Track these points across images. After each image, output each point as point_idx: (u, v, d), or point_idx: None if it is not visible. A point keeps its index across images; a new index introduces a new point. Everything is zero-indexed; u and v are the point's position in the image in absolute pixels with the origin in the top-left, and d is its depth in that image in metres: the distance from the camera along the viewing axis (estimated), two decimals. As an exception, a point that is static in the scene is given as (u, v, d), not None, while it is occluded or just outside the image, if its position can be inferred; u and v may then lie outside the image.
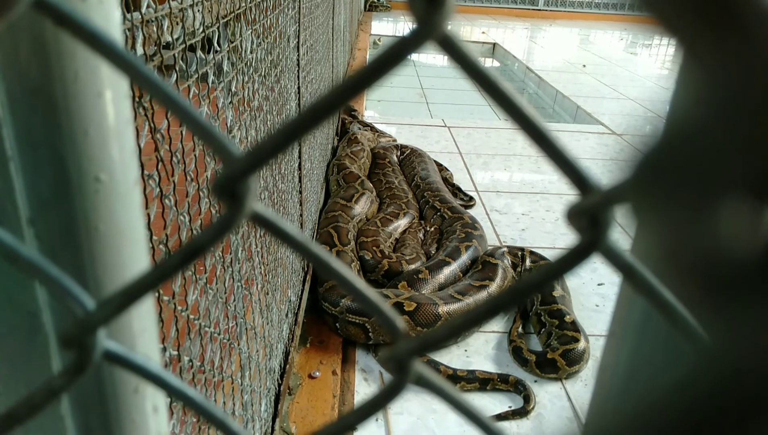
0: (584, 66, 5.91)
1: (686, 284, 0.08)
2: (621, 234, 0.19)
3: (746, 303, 0.07)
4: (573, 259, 0.15)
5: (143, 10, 0.48)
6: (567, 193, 2.69)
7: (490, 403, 1.43)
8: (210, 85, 0.69)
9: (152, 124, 0.49)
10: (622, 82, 5.24)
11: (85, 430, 0.27)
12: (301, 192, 1.53)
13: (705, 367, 0.08)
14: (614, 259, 0.16)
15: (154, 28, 0.52)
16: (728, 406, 0.07)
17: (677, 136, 0.09)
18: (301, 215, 1.55)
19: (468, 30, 8.14)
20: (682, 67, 0.14)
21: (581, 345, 1.54)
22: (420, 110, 4.21)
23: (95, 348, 0.17)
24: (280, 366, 1.31)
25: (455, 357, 1.58)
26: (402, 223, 2.16)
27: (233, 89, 0.81)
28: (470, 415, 0.19)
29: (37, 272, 0.17)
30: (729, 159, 0.07)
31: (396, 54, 0.13)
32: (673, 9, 0.08)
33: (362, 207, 2.17)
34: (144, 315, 0.25)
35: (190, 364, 0.63)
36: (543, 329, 1.66)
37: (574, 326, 1.61)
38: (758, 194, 0.07)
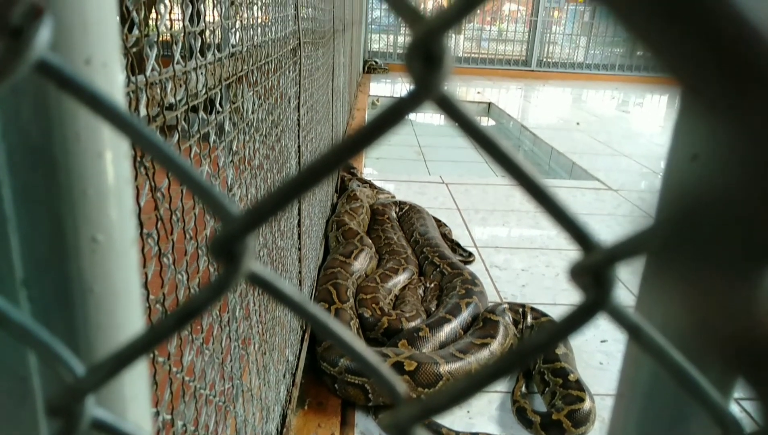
0: (578, 124, 6.04)
1: (719, 357, 0.08)
2: (622, 289, 0.18)
3: None
4: (578, 318, 0.15)
5: (147, 72, 0.50)
6: (566, 249, 2.68)
7: (495, 468, 1.37)
8: (211, 144, 0.70)
9: (153, 183, 0.49)
10: (616, 139, 5.34)
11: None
12: (300, 249, 1.52)
13: None
14: (620, 318, 0.15)
15: (158, 90, 0.53)
16: None
17: (706, 198, 0.08)
18: (300, 272, 1.54)
19: (464, 90, 8.37)
20: (680, 123, 0.15)
21: (587, 405, 1.50)
22: (418, 167, 4.27)
23: (83, 416, 0.16)
24: (277, 430, 1.26)
25: (457, 419, 1.53)
26: (401, 278, 2.14)
27: (234, 148, 0.82)
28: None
29: (26, 337, 0.17)
30: (760, 226, 0.07)
31: (395, 114, 0.13)
32: (697, 75, 0.08)
33: (361, 263, 2.16)
34: (136, 379, 0.25)
35: (184, 428, 0.61)
36: (547, 388, 1.62)
37: (579, 385, 1.57)
38: None
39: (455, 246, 2.54)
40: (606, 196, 3.58)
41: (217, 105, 0.74)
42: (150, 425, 0.25)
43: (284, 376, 1.35)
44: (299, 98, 1.46)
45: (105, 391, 0.21)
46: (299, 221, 1.51)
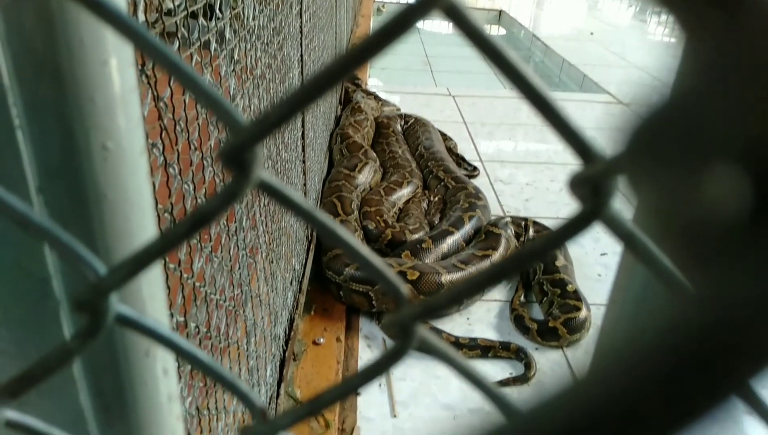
0: (592, 33, 5.80)
1: (678, 246, 0.09)
2: (624, 204, 0.19)
3: (729, 261, 0.08)
4: (574, 227, 0.15)
5: (144, -25, 0.48)
6: (572, 163, 2.67)
7: (491, 370, 1.45)
8: (212, 52, 0.68)
9: (155, 92, 0.49)
10: (631, 50, 5.15)
11: (97, 393, 0.28)
12: (304, 161, 1.53)
13: (689, 318, 0.08)
14: (615, 227, 0.16)
15: (156, -6, 0.51)
16: (706, 352, 0.08)
17: (671, 106, 0.09)
18: (304, 185, 1.55)
19: (474, -4, 7.97)
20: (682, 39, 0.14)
21: (583, 314, 1.56)
22: (424, 78, 4.16)
23: (108, 312, 0.18)
24: (285, 333, 1.33)
25: (457, 325, 1.60)
26: (405, 192, 2.16)
27: (236, 57, 0.80)
28: (472, 378, 0.19)
29: (49, 238, 0.18)
30: (718, 128, 0.08)
31: (401, 22, 0.13)
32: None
33: (366, 177, 2.17)
34: (152, 281, 0.26)
35: (197, 330, 0.64)
36: (545, 298, 1.68)
37: (576, 295, 1.62)
38: (744, 161, 0.08)
39: (460, 160, 2.53)
40: (616, 109, 3.51)
41: (217, 11, 0.71)
42: (167, 322, 0.27)
43: (291, 283, 1.40)
44: (301, 4, 1.40)
45: (125, 291, 0.23)
46: (303, 134, 1.50)
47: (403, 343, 0.17)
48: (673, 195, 0.08)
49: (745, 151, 0.07)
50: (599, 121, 3.30)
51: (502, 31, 6.53)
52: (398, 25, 0.13)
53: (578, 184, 0.16)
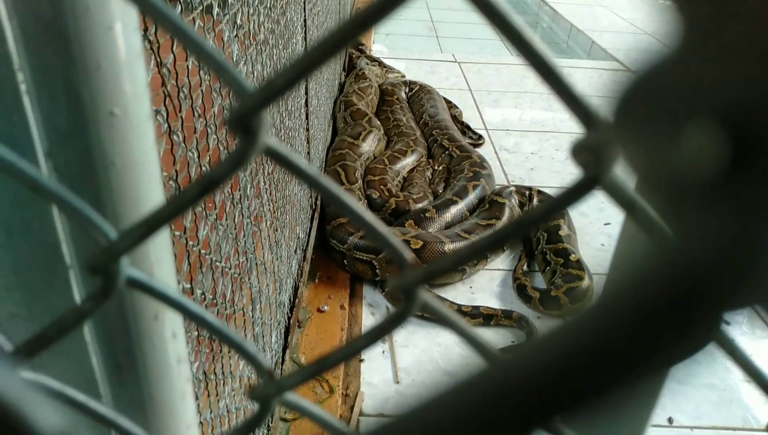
0: (601, -2, 5.67)
1: (661, 198, 0.09)
2: (627, 171, 0.19)
3: (706, 210, 0.08)
4: (576, 193, 0.15)
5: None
6: (577, 132, 2.65)
7: (493, 338, 1.47)
8: (215, 17, 0.67)
9: (158, 58, 0.48)
10: (641, 15, 5.04)
11: (109, 355, 0.29)
12: (308, 129, 1.52)
13: (667, 261, 0.08)
14: (617, 194, 0.16)
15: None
16: (681, 293, 0.08)
17: (656, 68, 0.09)
18: (308, 153, 1.55)
19: (481, -41, 7.77)
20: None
21: (585, 283, 1.57)
22: (430, 44, 4.09)
23: (119, 274, 0.18)
24: (290, 300, 1.35)
25: (460, 293, 1.61)
26: (410, 160, 2.15)
27: (238, 22, 0.79)
28: (472, 341, 0.20)
29: (60, 202, 0.18)
30: (697, 87, 0.08)
31: (406, -13, 0.13)
32: None
33: (370, 145, 2.16)
34: (160, 246, 0.26)
35: (203, 296, 0.65)
36: (548, 268, 1.69)
37: (579, 265, 1.63)
38: (721, 117, 0.08)
39: (465, 128, 2.51)
40: (625, 78, 3.45)
41: (220, -26, 0.70)
42: (175, 286, 0.27)
43: (295, 251, 1.41)
44: (305, -33, 1.37)
45: (133, 256, 0.23)
46: (307, 101, 1.49)
47: (405, 307, 0.17)
48: (655, 150, 0.09)
49: (722, 109, 0.08)
50: (606, 88, 3.25)
51: (510, -4, 6.39)
52: (403, -10, 0.13)
53: (580, 151, 0.16)
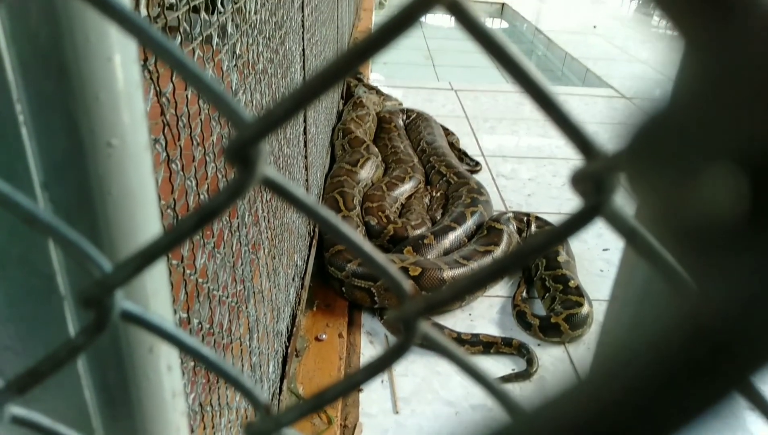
0: (595, 27, 5.78)
1: (678, 244, 0.09)
2: (627, 199, 0.19)
3: (728, 259, 0.08)
4: (576, 222, 0.15)
5: (146, -29, 0.48)
6: (574, 158, 2.67)
7: (493, 366, 1.46)
8: (214, 47, 0.68)
9: (158, 88, 0.49)
10: (634, 43, 5.13)
11: (102, 388, 0.28)
12: (306, 157, 1.53)
13: (689, 314, 0.08)
14: (618, 223, 0.16)
15: (158, -10, 0.51)
16: (707, 350, 0.08)
17: (671, 106, 0.09)
18: (306, 180, 1.55)
19: (476, -10, 7.95)
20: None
21: (585, 309, 1.56)
22: (426, 73, 4.15)
23: (113, 308, 0.18)
24: (288, 329, 1.33)
25: (459, 321, 1.60)
26: (407, 187, 2.15)
27: (238, 52, 0.80)
28: (474, 374, 0.20)
29: (55, 235, 0.18)
30: (716, 129, 0.08)
31: (405, 19, 0.13)
32: None
33: (368, 172, 2.16)
34: (156, 277, 0.26)
35: (200, 326, 0.64)
36: (547, 294, 1.68)
37: (578, 291, 1.62)
38: (742, 161, 0.08)
39: (462, 155, 2.53)
40: (619, 104, 3.50)
41: (219, 5, 0.71)
42: (171, 318, 0.27)
43: (293, 279, 1.40)
44: (303, -2, 1.39)
45: (129, 287, 0.23)
46: (305, 129, 1.50)
47: (405, 339, 0.17)
48: (672, 194, 0.08)
49: (743, 152, 0.07)
50: (602, 115, 3.29)
51: (505, 25, 6.50)
52: (402, 22, 0.13)
53: (580, 180, 0.16)
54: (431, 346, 0.18)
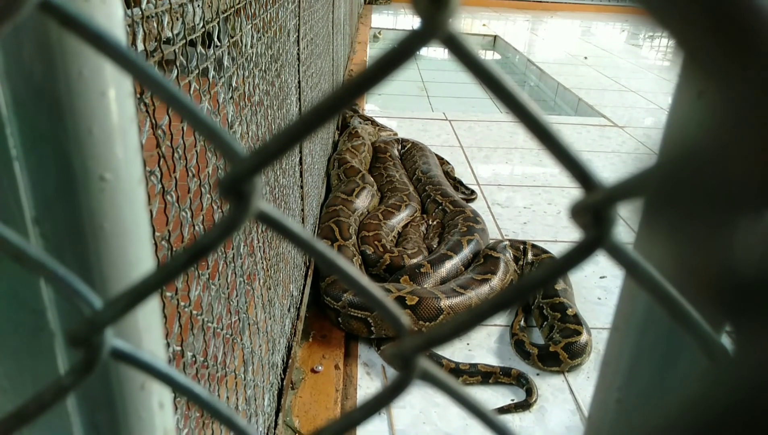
0: (585, 58, 5.89)
1: (706, 298, 0.08)
2: (624, 227, 0.19)
3: (762, 320, 0.08)
4: (577, 256, 0.15)
5: (143, 6, 0.48)
6: (569, 186, 2.68)
7: (492, 397, 1.43)
8: (210, 80, 0.69)
9: (153, 120, 0.49)
10: (624, 73, 5.22)
11: (92, 427, 0.28)
12: (302, 187, 1.53)
13: (721, 382, 0.08)
14: (619, 255, 0.16)
15: (155, 24, 0.52)
16: (745, 420, 0.07)
17: (692, 157, 0.09)
18: (302, 210, 1.55)
19: (469, 22, 8.11)
20: (686, 68, 0.14)
21: (583, 338, 1.55)
22: (421, 104, 4.20)
23: (103, 347, 0.17)
24: (283, 361, 1.31)
25: (457, 350, 1.58)
26: (404, 215, 2.16)
27: (234, 84, 0.80)
28: (474, 409, 0.19)
29: (44, 271, 0.17)
30: (745, 177, 0.08)
31: (399, 54, 0.13)
32: (696, 39, 0.08)
33: (363, 201, 2.17)
34: (149, 312, 0.26)
35: (194, 359, 0.63)
36: (545, 322, 1.67)
37: (577, 319, 1.61)
38: None
39: (457, 184, 2.54)
40: (611, 132, 3.54)
41: (216, 39, 0.72)
42: (164, 354, 0.26)
43: (289, 310, 1.39)
44: (299, 31, 1.42)
45: (121, 323, 0.22)
46: (301, 159, 1.50)
47: (404, 377, 0.17)
48: (700, 247, 0.08)
49: None
50: (595, 144, 3.33)
51: (497, 56, 6.62)
52: (397, 56, 0.13)
53: (579, 212, 0.16)
54: (431, 381, 0.18)
